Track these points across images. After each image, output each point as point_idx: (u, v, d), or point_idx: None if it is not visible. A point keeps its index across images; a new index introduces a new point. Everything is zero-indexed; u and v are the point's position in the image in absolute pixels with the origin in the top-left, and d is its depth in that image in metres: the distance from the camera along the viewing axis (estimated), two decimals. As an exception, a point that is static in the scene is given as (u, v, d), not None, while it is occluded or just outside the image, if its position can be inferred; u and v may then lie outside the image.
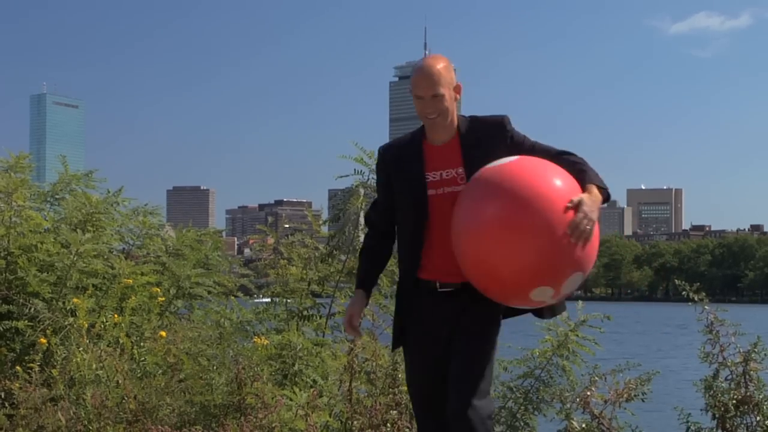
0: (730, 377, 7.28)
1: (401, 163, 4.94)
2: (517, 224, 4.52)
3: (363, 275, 5.13)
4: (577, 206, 4.56)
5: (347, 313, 5.09)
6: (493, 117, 4.97)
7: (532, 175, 4.62)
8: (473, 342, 4.84)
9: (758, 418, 7.08)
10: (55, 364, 7.51)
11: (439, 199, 4.85)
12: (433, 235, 4.87)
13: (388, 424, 7.15)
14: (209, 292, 9.36)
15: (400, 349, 5.14)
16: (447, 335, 4.90)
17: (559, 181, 4.64)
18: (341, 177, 8.53)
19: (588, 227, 4.57)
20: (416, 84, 4.83)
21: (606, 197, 4.77)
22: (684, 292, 7.45)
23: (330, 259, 8.77)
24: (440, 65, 4.83)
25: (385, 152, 5.04)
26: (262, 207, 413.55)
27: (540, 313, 5.08)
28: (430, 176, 4.87)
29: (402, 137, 5.07)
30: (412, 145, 4.96)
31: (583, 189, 4.68)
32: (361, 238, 8.76)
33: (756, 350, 7.24)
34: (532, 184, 4.58)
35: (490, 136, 4.89)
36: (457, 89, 4.89)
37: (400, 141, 5.07)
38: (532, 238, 4.51)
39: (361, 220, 8.75)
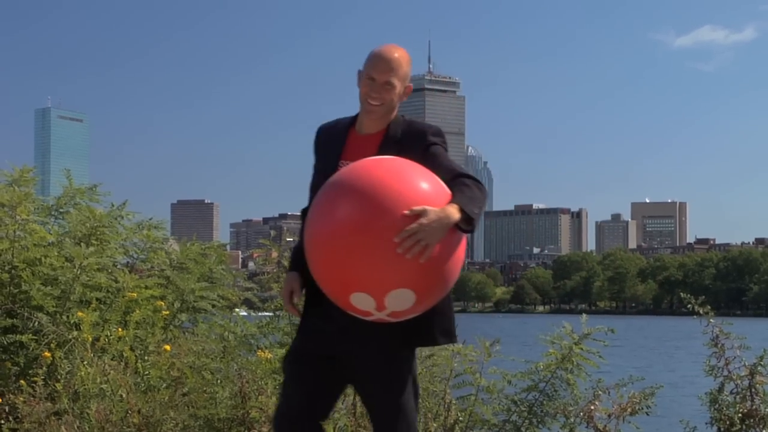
0: (735, 391, 7.27)
1: (327, 146, 4.70)
2: (343, 220, 4.17)
3: (294, 257, 4.73)
4: (417, 215, 4.11)
5: (286, 291, 4.61)
6: (425, 125, 4.66)
7: (379, 173, 4.25)
8: (392, 394, 4.52)
9: (764, 432, 7.07)
10: (59, 377, 7.50)
11: None
12: None
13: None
14: (213, 306, 9.36)
15: None
16: (346, 349, 4.55)
17: (407, 186, 4.21)
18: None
19: (421, 241, 4.08)
20: (373, 64, 4.57)
21: (468, 224, 4.24)
22: (689, 306, 7.45)
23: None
24: (403, 56, 4.61)
25: (319, 133, 4.79)
26: (266, 220, 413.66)
27: (433, 338, 4.63)
28: (343, 164, 4.55)
29: (338, 120, 4.79)
30: (338, 129, 4.72)
31: None
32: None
33: (762, 363, 7.23)
34: (375, 182, 4.20)
35: (410, 140, 4.56)
36: (408, 89, 4.67)
37: (335, 123, 4.79)
38: (353, 236, 4.12)
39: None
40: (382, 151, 4.52)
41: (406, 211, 4.12)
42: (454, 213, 4.18)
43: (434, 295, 4.34)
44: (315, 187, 4.54)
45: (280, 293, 4.62)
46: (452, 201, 4.23)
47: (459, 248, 4.34)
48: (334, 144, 4.66)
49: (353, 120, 4.71)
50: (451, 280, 4.37)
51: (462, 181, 4.37)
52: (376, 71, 4.56)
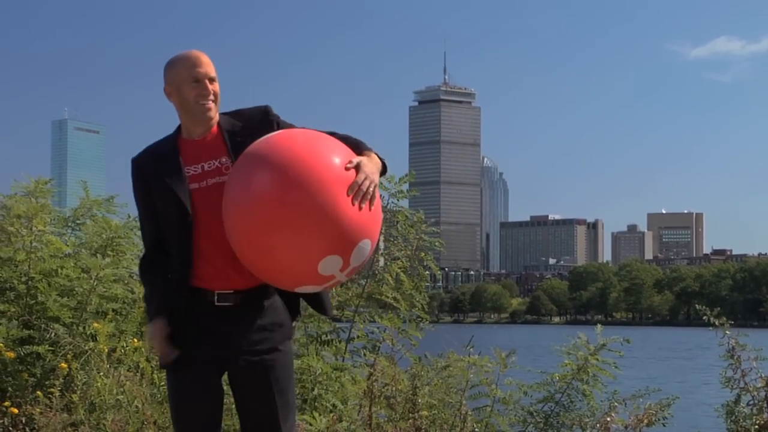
0: (752, 402, 7.26)
1: (158, 164, 4.48)
2: (297, 187, 4.14)
3: (156, 302, 4.50)
4: (357, 167, 4.23)
5: (160, 339, 4.44)
6: (255, 107, 4.61)
7: (303, 139, 4.31)
8: (273, 394, 4.49)
9: (780, 444, 7.05)
10: (76, 389, 7.52)
11: (203, 192, 4.43)
12: (203, 232, 4.41)
13: (408, 449, 7.14)
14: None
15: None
16: (228, 358, 4.47)
17: (332, 144, 4.33)
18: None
19: (371, 189, 4.22)
20: (192, 63, 4.45)
21: (384, 167, 4.44)
22: (705, 317, 7.44)
23: (349, 284, 8.76)
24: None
25: (139, 159, 4.55)
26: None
27: (323, 307, 4.66)
28: (190, 170, 4.45)
29: (154, 144, 4.61)
30: (167, 144, 4.53)
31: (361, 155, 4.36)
32: (381, 262, 8.77)
33: (778, 375, 7.21)
34: (304, 147, 4.24)
35: (254, 123, 4.51)
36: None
37: (153, 148, 4.58)
38: (313, 202, 4.12)
39: (381, 245, 8.76)
40: (231, 142, 4.47)
41: (348, 164, 4.22)
42: (376, 159, 4.38)
43: (377, 241, 4.45)
44: (149, 218, 4.54)
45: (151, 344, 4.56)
46: (362, 149, 4.38)
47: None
48: (167, 158, 4.49)
49: (175, 133, 4.57)
50: (380, 226, 4.48)
51: (342, 135, 4.45)
52: (198, 71, 4.45)
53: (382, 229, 4.56)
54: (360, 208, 4.20)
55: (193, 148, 4.50)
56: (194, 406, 4.49)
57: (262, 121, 4.52)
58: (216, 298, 4.44)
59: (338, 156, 4.26)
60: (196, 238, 4.42)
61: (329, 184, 4.16)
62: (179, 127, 4.57)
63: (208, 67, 4.47)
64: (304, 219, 4.13)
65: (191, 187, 4.44)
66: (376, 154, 4.42)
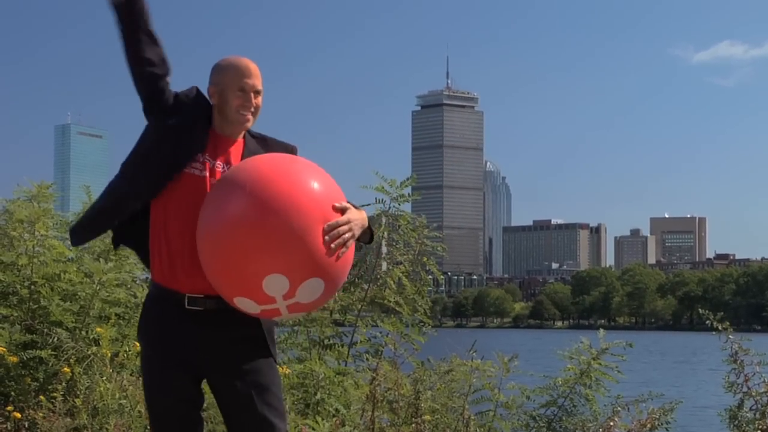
0: (755, 407, 7.25)
1: (182, 131, 4.45)
2: (277, 200, 4.11)
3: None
4: (342, 210, 4.23)
5: None
6: (284, 143, 4.65)
7: (291, 163, 4.31)
8: (256, 405, 4.39)
9: (783, 448, 7.04)
10: (79, 393, 7.53)
11: (200, 180, 4.41)
12: (179, 223, 4.40)
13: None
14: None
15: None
16: (202, 365, 4.42)
17: (324, 179, 4.29)
18: (362, 206, 8.53)
19: (346, 236, 4.19)
20: (245, 73, 4.47)
21: (371, 235, 4.48)
22: (708, 322, 7.44)
23: (352, 288, 8.77)
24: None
25: (184, 96, 4.52)
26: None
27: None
28: (201, 158, 4.44)
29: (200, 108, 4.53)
30: (203, 125, 4.50)
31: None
32: (384, 266, 8.77)
33: (781, 379, 7.20)
34: (299, 170, 4.25)
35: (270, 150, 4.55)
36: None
37: (193, 97, 4.54)
38: (287, 219, 4.08)
39: (384, 249, 8.76)
40: (248, 153, 4.49)
41: (336, 204, 4.21)
42: (365, 216, 4.37)
43: (333, 292, 4.38)
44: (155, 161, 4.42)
45: None
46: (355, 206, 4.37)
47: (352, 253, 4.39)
48: (193, 135, 4.45)
49: (207, 119, 4.52)
50: (342, 282, 4.40)
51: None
52: (246, 81, 4.46)
53: (341, 285, 4.42)
54: (329, 250, 4.14)
55: (217, 140, 4.49)
56: (167, 403, 4.42)
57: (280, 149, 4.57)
58: (186, 301, 4.38)
59: (329, 193, 4.25)
60: (171, 227, 4.40)
61: (308, 210, 4.12)
62: (211, 116, 4.53)
63: (257, 79, 4.49)
64: (271, 228, 4.08)
65: (197, 171, 4.40)
66: (372, 227, 4.45)
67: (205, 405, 4.55)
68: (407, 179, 8.61)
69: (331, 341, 8.66)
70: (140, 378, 7.59)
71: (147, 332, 4.49)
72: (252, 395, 4.38)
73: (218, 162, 4.45)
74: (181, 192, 4.39)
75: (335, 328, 8.73)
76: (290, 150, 4.59)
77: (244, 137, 4.55)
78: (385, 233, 8.65)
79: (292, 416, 7.09)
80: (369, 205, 8.53)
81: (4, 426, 7.43)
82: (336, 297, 8.55)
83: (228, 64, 4.50)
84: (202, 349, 4.39)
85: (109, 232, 4.61)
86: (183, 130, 4.42)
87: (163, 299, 4.43)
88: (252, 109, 4.48)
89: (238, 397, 4.39)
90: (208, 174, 4.40)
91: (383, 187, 8.45)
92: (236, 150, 4.51)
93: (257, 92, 4.49)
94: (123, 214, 4.49)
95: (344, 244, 4.20)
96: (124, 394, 7.35)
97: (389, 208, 8.52)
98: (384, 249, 8.72)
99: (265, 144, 4.58)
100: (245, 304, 4.21)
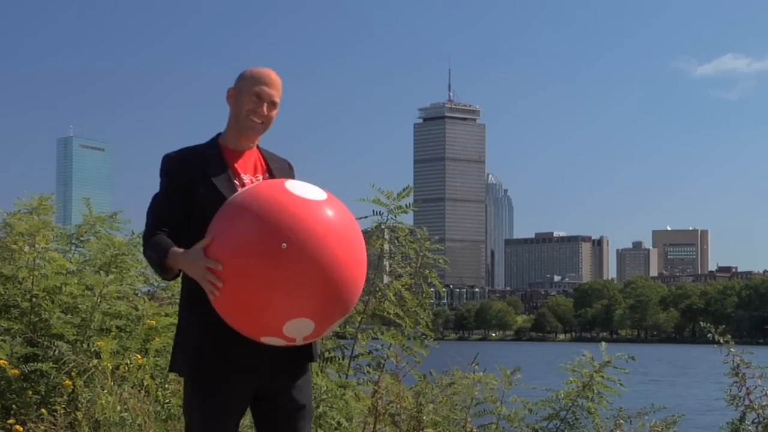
0: (757, 420, 7.24)
1: (205, 165, 4.44)
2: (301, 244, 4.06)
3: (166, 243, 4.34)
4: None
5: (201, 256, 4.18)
6: (282, 158, 4.71)
7: (338, 208, 4.25)
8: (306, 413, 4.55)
9: (786, 461, 7.02)
10: (80, 406, 7.51)
11: None
12: None
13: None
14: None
15: None
16: (259, 378, 4.42)
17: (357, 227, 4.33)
18: (359, 219, 8.53)
19: None
20: (260, 81, 4.49)
21: None
22: (709, 335, 7.43)
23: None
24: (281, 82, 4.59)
25: (181, 157, 4.49)
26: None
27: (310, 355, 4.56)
28: (238, 180, 4.46)
29: (192, 147, 4.55)
30: (209, 149, 4.50)
31: None
32: (386, 279, 8.76)
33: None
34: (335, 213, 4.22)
35: (284, 169, 4.63)
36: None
37: (194, 149, 4.54)
38: (332, 263, 4.09)
39: (386, 262, 8.76)
40: (269, 163, 4.56)
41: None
42: None
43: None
44: (175, 214, 4.41)
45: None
46: None
47: None
48: (216, 163, 4.46)
49: (215, 140, 4.55)
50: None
51: None
52: (263, 88, 4.49)
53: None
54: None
55: (237, 157, 4.52)
56: (219, 426, 4.39)
57: (287, 175, 4.59)
58: None
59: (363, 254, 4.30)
60: None
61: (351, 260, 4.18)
62: (217, 138, 4.56)
63: (275, 90, 4.51)
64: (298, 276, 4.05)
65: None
66: None
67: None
68: (404, 190, 8.59)
69: (332, 354, 8.64)
70: (141, 390, 7.60)
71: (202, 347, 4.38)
72: (302, 404, 4.50)
73: (253, 176, 4.50)
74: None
75: (336, 340, 8.72)
76: (289, 165, 4.68)
77: (258, 147, 4.59)
78: (385, 245, 8.63)
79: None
80: (366, 217, 8.52)
81: (6, 439, 7.42)
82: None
83: (253, 71, 4.54)
84: (259, 362, 4.37)
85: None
86: (202, 164, 4.45)
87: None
88: (262, 119, 4.48)
89: (289, 407, 4.49)
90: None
91: (379, 200, 8.44)
92: (255, 158, 4.56)
93: (272, 103, 4.49)
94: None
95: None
96: (126, 407, 7.34)
97: (387, 219, 8.51)
98: (386, 263, 8.72)
99: (271, 154, 4.64)
100: (272, 341, 4.24)
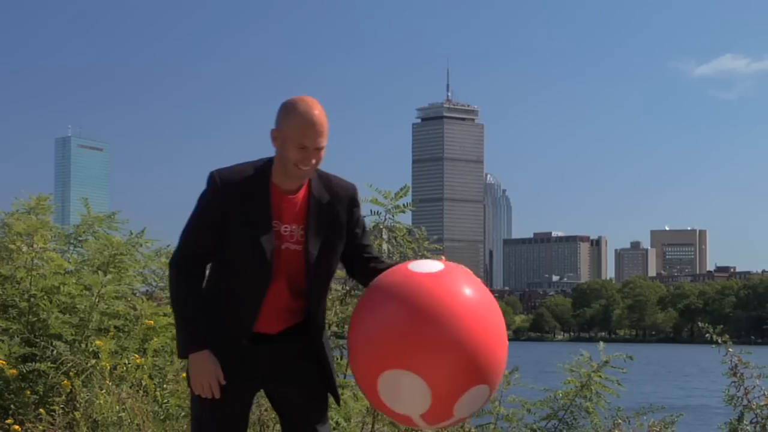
0: (755, 420, 7.24)
1: (248, 201, 4.40)
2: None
3: (203, 331, 4.39)
4: None
5: (211, 376, 4.36)
6: (346, 182, 4.63)
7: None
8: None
9: (784, 461, 7.03)
10: (78, 406, 7.51)
11: (284, 254, 4.43)
12: (271, 291, 4.43)
13: (411, 467, 7.13)
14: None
15: None
16: (267, 385, 4.60)
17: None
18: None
19: None
20: (305, 133, 4.34)
21: None
22: (707, 335, 7.43)
23: (349, 299, 8.74)
24: (324, 112, 4.43)
25: (226, 186, 4.42)
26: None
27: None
28: (283, 228, 4.44)
29: (242, 170, 4.47)
30: (257, 186, 4.43)
31: None
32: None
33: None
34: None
35: (339, 201, 4.55)
36: None
37: (242, 176, 4.45)
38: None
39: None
40: (311, 213, 4.47)
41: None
42: None
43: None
44: (208, 243, 4.44)
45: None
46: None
47: None
48: (258, 204, 4.43)
49: (266, 174, 4.48)
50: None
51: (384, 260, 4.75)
52: (308, 140, 4.35)
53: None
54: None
55: (282, 202, 4.46)
56: (224, 415, 4.48)
57: (344, 203, 4.57)
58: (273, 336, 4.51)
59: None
60: (265, 297, 4.46)
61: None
62: (271, 164, 4.48)
63: (321, 136, 4.38)
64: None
65: (275, 244, 4.41)
66: None
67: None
68: (401, 189, 8.58)
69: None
70: (140, 390, 7.59)
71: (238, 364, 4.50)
72: (306, 407, 4.57)
73: (290, 226, 4.46)
74: (278, 265, 4.45)
75: (335, 340, 8.71)
76: (351, 196, 4.62)
77: (309, 185, 4.50)
78: (383, 245, 8.63)
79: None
80: (364, 217, 8.50)
81: (4, 439, 7.42)
82: (335, 310, 8.54)
83: (297, 112, 4.37)
84: (267, 373, 4.52)
85: None
86: (247, 199, 4.43)
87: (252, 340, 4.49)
88: (312, 165, 4.40)
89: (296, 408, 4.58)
90: (286, 245, 4.45)
91: (376, 199, 8.43)
92: (299, 205, 4.49)
93: (319, 149, 4.40)
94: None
95: None
96: (124, 407, 7.34)
97: (385, 219, 8.50)
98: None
99: (329, 185, 4.55)
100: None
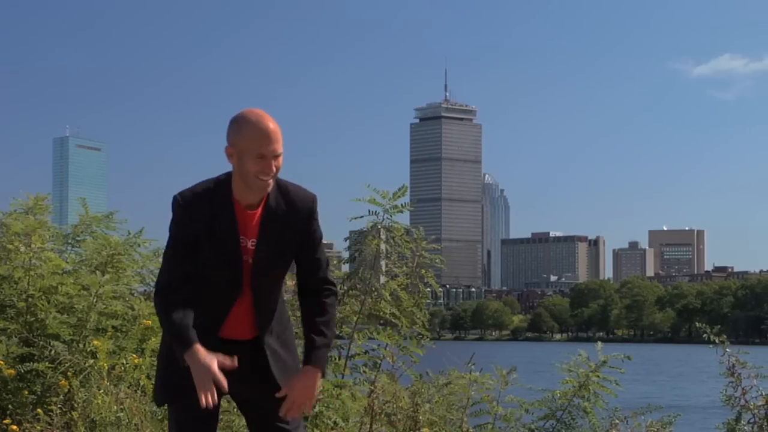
0: (752, 420, 7.24)
1: (213, 222, 4.47)
2: None
3: (193, 335, 4.47)
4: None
5: (204, 372, 4.41)
6: (305, 193, 4.61)
7: None
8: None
9: (782, 461, 7.03)
10: (76, 406, 7.51)
11: (247, 267, 4.53)
12: (238, 302, 4.56)
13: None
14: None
15: None
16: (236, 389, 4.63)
17: None
18: (354, 218, 8.55)
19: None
20: (262, 140, 4.36)
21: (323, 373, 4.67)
22: (705, 335, 7.43)
23: (347, 299, 8.75)
24: (275, 122, 4.45)
25: (192, 206, 4.48)
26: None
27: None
28: (249, 243, 4.52)
29: (204, 188, 4.52)
30: (223, 204, 4.49)
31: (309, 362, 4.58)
32: (382, 279, 8.76)
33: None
34: None
35: (295, 213, 4.56)
36: None
37: (206, 195, 4.50)
38: None
39: (382, 264, 8.75)
40: (263, 226, 4.51)
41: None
42: (319, 375, 4.58)
43: None
44: (186, 266, 4.50)
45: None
46: (315, 359, 4.58)
47: None
48: (225, 222, 4.49)
49: (228, 191, 4.52)
50: None
51: (326, 308, 4.64)
52: (266, 148, 4.37)
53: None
54: None
55: (244, 217, 4.52)
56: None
57: (300, 215, 4.57)
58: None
59: None
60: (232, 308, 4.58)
61: None
62: (230, 180, 4.52)
63: (277, 144, 4.39)
64: None
65: (244, 259, 4.50)
66: (321, 364, 4.63)
67: None
68: (399, 190, 8.60)
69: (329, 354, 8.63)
70: (137, 390, 7.59)
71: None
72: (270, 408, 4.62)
73: (250, 240, 4.52)
74: (245, 279, 4.56)
75: (335, 340, 8.71)
76: (309, 208, 4.61)
77: (266, 197, 4.52)
78: (381, 245, 8.64)
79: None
80: (362, 217, 8.53)
81: (2, 439, 7.42)
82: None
83: (246, 125, 4.41)
84: (238, 377, 4.55)
85: None
86: (214, 216, 4.49)
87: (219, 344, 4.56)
88: (272, 175, 4.42)
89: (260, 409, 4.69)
90: (248, 258, 4.53)
91: (374, 200, 8.44)
92: (254, 219, 4.53)
93: (277, 156, 4.41)
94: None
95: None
96: (121, 407, 7.34)
97: (383, 219, 8.51)
98: (382, 263, 8.72)
99: (287, 196, 4.57)
100: None
